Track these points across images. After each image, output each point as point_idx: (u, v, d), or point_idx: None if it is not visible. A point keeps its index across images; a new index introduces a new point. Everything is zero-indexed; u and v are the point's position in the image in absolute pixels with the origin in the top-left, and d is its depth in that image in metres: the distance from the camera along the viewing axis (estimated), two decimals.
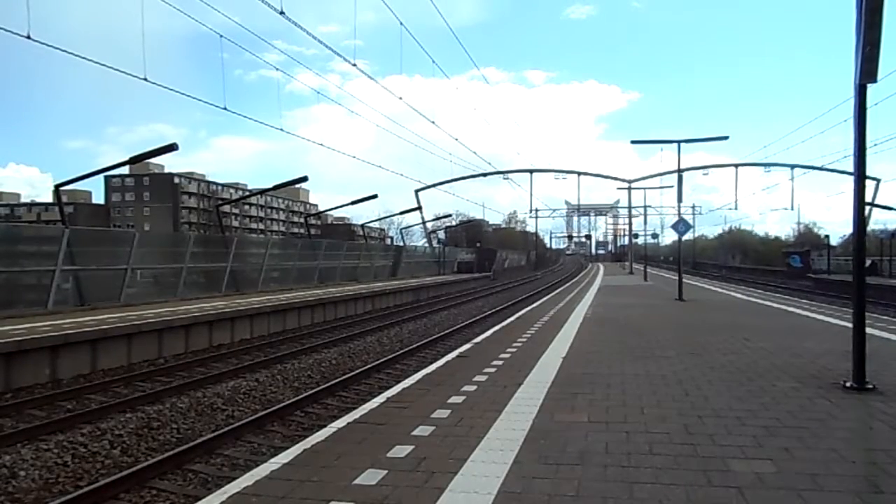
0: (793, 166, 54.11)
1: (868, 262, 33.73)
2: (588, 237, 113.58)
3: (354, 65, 19.34)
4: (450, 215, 69.72)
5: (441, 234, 67.60)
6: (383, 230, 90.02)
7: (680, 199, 20.71)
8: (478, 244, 69.02)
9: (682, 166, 20.16)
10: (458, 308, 24.82)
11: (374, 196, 32.64)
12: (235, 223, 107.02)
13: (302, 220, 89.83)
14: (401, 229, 54.41)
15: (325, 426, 5.16)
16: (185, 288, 18.91)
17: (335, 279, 29.25)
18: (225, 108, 22.38)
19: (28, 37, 11.17)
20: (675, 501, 3.39)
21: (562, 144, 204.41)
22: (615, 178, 60.56)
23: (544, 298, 21.04)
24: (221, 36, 16.29)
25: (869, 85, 6.03)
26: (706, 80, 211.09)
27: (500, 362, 7.71)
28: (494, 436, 4.58)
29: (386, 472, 3.85)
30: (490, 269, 53.50)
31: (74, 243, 15.01)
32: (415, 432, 4.69)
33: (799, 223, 79.09)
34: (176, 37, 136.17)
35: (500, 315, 19.44)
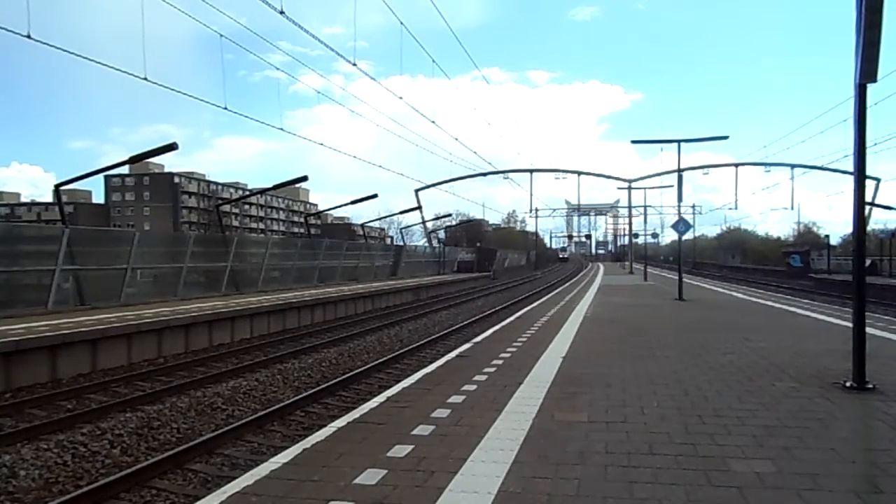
0: (793, 166, 54.25)
1: (868, 262, 33.74)
2: (588, 237, 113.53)
3: (355, 65, 19.33)
4: (450, 215, 69.67)
5: (441, 234, 67.60)
6: (383, 230, 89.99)
7: (680, 199, 20.78)
8: (478, 244, 68.93)
9: (682, 166, 20.21)
10: (458, 307, 24.81)
11: (375, 196, 32.54)
12: (235, 223, 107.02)
13: (302, 219, 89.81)
14: (401, 229, 54.38)
15: (325, 426, 5.16)
16: (185, 288, 18.90)
17: (335, 279, 29.22)
18: (225, 108, 22.57)
19: (28, 36, 11.17)
20: (675, 501, 3.39)
21: (563, 144, 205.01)
22: (616, 178, 60.68)
23: (544, 298, 21.04)
24: (222, 36, 16.43)
25: (869, 85, 6.03)
26: (708, 81, 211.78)
27: (500, 362, 7.72)
28: (494, 435, 4.58)
29: (386, 471, 3.85)
30: (490, 268, 53.45)
31: (74, 243, 15.00)
32: (415, 432, 4.69)
33: (799, 223, 79.18)
34: (183, 38, 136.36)
35: (500, 314, 19.44)
